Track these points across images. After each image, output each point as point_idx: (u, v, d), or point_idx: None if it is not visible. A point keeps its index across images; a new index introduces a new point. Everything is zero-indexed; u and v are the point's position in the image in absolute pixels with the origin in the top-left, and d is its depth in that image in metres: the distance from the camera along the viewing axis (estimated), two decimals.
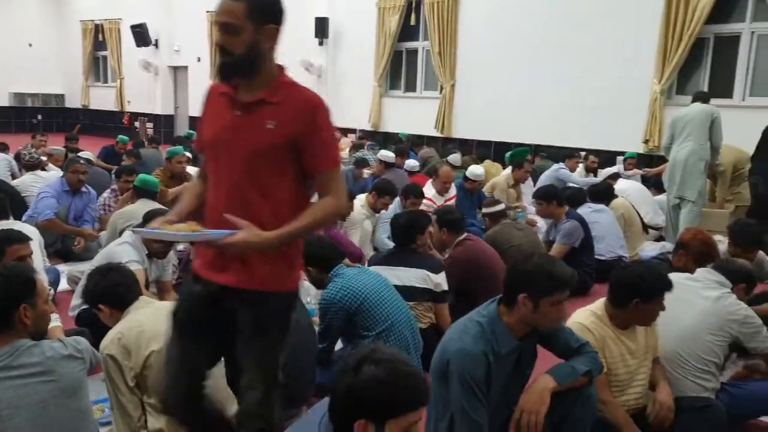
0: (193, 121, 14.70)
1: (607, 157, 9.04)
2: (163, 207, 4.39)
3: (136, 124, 16.76)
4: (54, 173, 6.85)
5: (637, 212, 6.48)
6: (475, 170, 6.60)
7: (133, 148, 9.35)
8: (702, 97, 6.48)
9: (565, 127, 9.63)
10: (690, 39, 8.53)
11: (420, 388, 1.61)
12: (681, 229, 5.77)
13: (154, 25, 16.11)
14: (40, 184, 6.06)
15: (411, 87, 12.31)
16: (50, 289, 3.81)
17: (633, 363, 2.69)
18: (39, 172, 6.74)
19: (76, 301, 3.79)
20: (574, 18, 9.49)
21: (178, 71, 16.76)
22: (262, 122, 1.91)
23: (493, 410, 2.31)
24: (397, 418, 1.55)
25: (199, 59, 15.60)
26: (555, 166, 7.99)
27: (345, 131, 12.03)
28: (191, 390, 2.11)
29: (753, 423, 3.09)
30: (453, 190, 6.43)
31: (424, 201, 5.70)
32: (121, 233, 4.25)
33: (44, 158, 7.44)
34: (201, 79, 14.72)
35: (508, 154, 7.81)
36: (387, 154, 7.61)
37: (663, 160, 7.20)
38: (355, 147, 9.62)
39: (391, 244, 4.30)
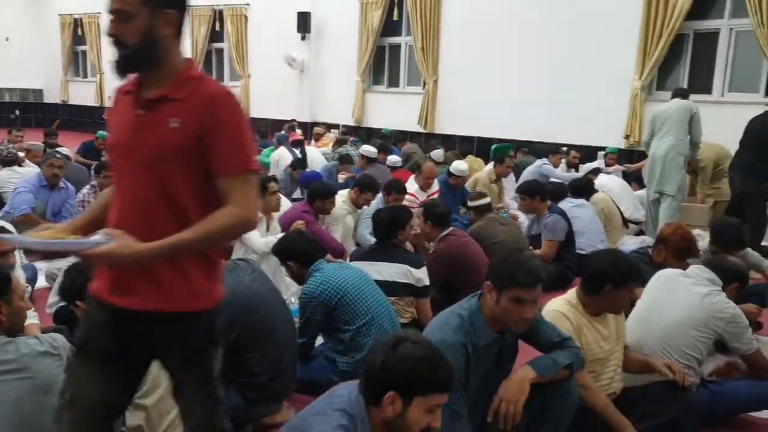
0: None
1: (588, 153, 9.10)
2: None
3: None
4: (31, 169, 6.75)
5: (618, 207, 6.54)
6: (458, 166, 6.62)
7: None
8: (681, 93, 6.55)
9: (546, 122, 9.66)
10: (670, 35, 8.58)
11: (451, 375, 1.78)
12: (661, 224, 5.83)
13: None
14: (17, 180, 5.99)
15: (394, 82, 12.28)
16: (27, 286, 3.77)
17: (607, 348, 2.74)
18: (16, 168, 6.64)
19: (53, 298, 3.75)
20: (555, 14, 9.52)
21: None
22: (165, 121, 1.69)
23: (473, 401, 2.33)
24: (425, 396, 1.71)
25: None
26: (538, 161, 8.02)
27: (328, 126, 12.01)
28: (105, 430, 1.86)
29: (741, 418, 3.10)
30: (436, 186, 6.43)
31: (407, 197, 5.70)
32: None
33: (21, 154, 7.34)
34: None
35: (493, 147, 7.85)
36: (369, 150, 7.58)
37: (644, 155, 7.25)
38: (339, 142, 9.59)
39: (372, 240, 4.30)
